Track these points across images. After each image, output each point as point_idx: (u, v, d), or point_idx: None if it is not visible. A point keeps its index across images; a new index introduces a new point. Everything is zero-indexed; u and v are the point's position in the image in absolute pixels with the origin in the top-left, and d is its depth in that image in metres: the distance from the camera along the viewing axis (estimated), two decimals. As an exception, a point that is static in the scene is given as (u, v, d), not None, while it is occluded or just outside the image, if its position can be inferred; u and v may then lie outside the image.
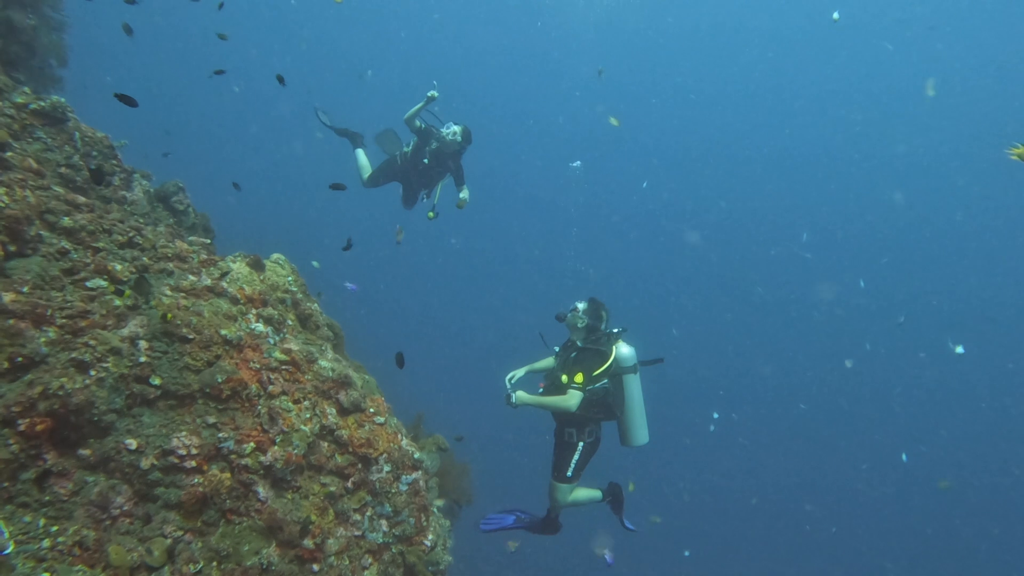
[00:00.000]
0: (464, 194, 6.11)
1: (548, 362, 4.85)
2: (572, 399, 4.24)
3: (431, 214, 6.16)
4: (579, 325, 4.50)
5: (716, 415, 17.77)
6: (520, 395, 4.23)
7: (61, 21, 5.12)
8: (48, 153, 3.98)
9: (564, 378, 4.32)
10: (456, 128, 6.09)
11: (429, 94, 5.92)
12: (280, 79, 5.31)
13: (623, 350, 4.50)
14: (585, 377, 4.29)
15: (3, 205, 3.00)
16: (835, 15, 24.50)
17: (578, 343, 4.50)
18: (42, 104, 4.01)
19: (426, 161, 6.24)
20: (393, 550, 3.91)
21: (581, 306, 4.57)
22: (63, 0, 4.96)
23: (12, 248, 3.03)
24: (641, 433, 4.66)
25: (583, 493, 4.75)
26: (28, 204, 3.21)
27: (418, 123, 6.17)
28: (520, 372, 4.73)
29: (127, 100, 3.44)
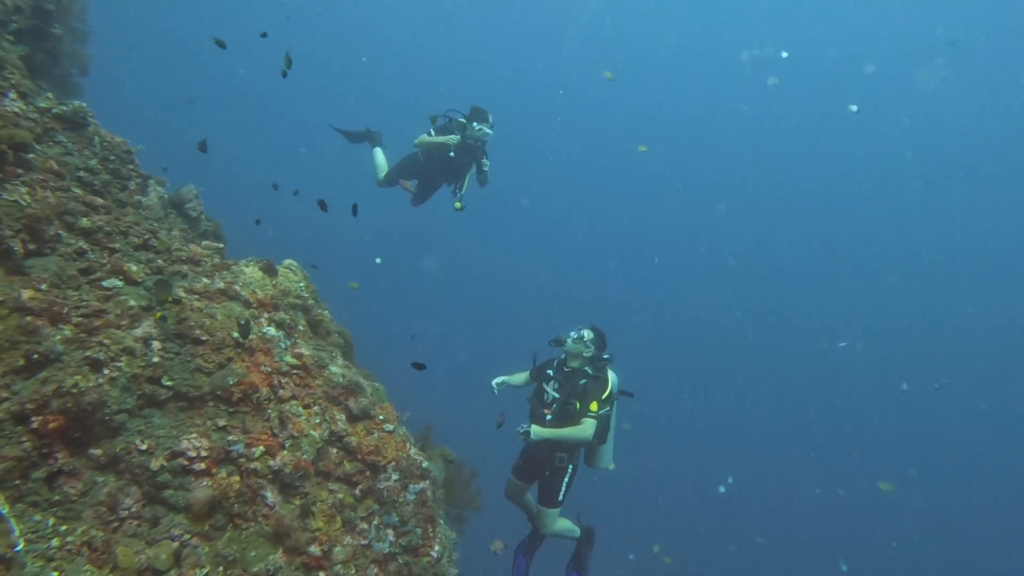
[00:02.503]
0: (486, 166, 6.09)
1: (522, 378, 4.85)
2: (590, 429, 4.27)
3: (458, 204, 6.02)
4: (585, 353, 4.46)
5: (731, 479, 17.41)
6: (536, 429, 4.24)
7: (85, 31, 5.23)
8: (68, 157, 4.04)
9: (578, 405, 4.33)
10: (486, 128, 5.98)
11: (431, 118, 6.03)
12: (287, 63, 4.75)
13: (612, 376, 4.56)
14: (599, 405, 4.34)
15: (25, 204, 3.03)
16: (853, 108, 25.14)
17: (588, 370, 4.46)
18: (64, 108, 4.08)
19: (452, 155, 6.09)
20: (399, 561, 3.84)
21: (587, 334, 4.49)
22: (87, 11, 5.08)
23: (32, 247, 3.05)
24: (610, 456, 4.78)
25: (565, 523, 4.84)
26: (48, 204, 3.25)
27: (432, 132, 6.09)
28: (502, 379, 4.81)
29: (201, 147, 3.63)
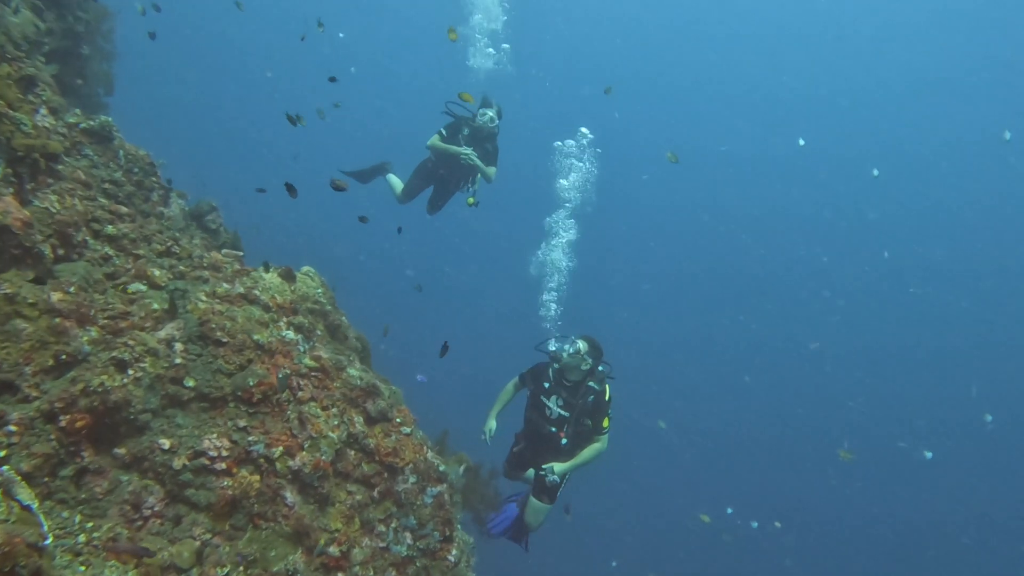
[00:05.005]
0: (491, 170, 6.01)
1: (508, 394, 4.86)
2: (605, 443, 4.51)
3: (471, 200, 5.97)
4: (583, 367, 4.44)
5: (756, 524, 17.21)
6: (560, 467, 4.41)
7: (111, 52, 5.44)
8: (95, 169, 4.17)
9: (591, 423, 4.46)
10: (490, 112, 5.91)
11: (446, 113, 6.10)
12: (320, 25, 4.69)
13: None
14: (608, 419, 4.51)
15: (55, 211, 3.14)
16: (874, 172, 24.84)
17: (593, 385, 4.49)
18: (91, 123, 4.23)
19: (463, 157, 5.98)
20: (417, 564, 3.82)
21: (583, 346, 4.44)
22: (114, 32, 5.28)
23: (61, 252, 3.15)
24: None
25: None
26: (77, 212, 3.36)
27: (443, 132, 6.05)
28: (493, 424, 4.83)
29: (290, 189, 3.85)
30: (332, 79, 5.19)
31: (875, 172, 25.56)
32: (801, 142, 26.17)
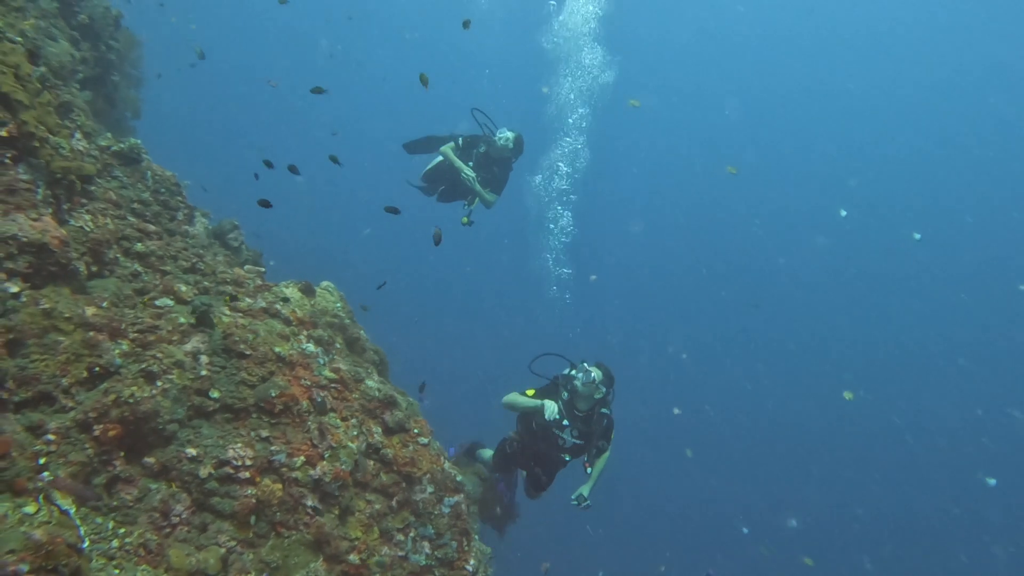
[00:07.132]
0: (491, 196, 5.99)
1: (533, 403, 4.81)
2: (609, 451, 4.80)
3: (465, 219, 6.00)
4: (597, 395, 4.51)
5: (749, 532, 16.97)
6: (587, 493, 4.63)
7: (139, 78, 5.69)
8: (124, 190, 4.36)
9: (604, 443, 4.73)
10: (509, 135, 5.95)
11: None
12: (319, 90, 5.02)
13: None
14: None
15: (89, 230, 3.29)
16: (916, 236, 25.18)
17: (606, 411, 4.64)
18: (121, 146, 4.42)
19: (471, 164, 6.04)
20: (436, 573, 3.85)
21: (597, 375, 4.49)
22: (143, 59, 5.53)
23: (94, 268, 3.30)
24: None
25: None
26: (108, 230, 3.52)
27: (459, 142, 6.09)
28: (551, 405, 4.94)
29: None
30: (335, 133, 5.43)
31: (917, 236, 25.65)
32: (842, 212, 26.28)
